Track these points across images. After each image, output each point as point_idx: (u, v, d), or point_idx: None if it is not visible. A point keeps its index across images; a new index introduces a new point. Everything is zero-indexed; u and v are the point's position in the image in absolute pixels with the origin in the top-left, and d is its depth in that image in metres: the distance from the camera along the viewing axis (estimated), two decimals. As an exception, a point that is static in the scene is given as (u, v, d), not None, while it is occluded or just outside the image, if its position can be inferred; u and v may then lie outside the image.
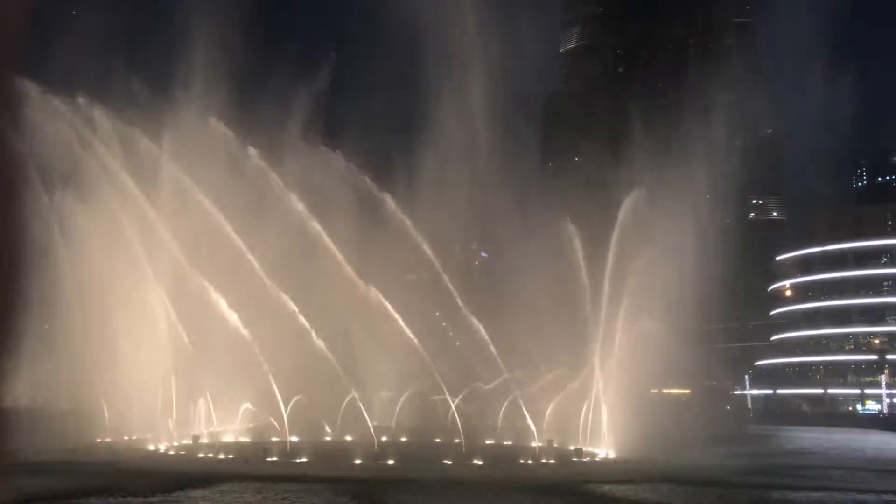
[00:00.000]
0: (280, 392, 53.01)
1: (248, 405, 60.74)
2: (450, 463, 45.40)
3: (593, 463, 49.10)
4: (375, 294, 54.44)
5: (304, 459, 45.45)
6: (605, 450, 53.13)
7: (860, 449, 70.98)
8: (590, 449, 53.36)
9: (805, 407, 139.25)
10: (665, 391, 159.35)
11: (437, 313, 68.32)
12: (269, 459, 45.63)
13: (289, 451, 48.05)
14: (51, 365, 54.79)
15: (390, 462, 45.37)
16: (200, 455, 48.44)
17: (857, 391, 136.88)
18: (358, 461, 45.10)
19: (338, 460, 45.72)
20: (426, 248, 58.47)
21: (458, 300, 58.01)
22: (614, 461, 49.56)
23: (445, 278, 58.25)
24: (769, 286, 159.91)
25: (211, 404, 58.66)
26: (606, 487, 38.88)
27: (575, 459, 48.91)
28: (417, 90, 76.48)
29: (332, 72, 72.96)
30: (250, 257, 53.27)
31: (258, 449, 49.14)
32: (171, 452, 50.07)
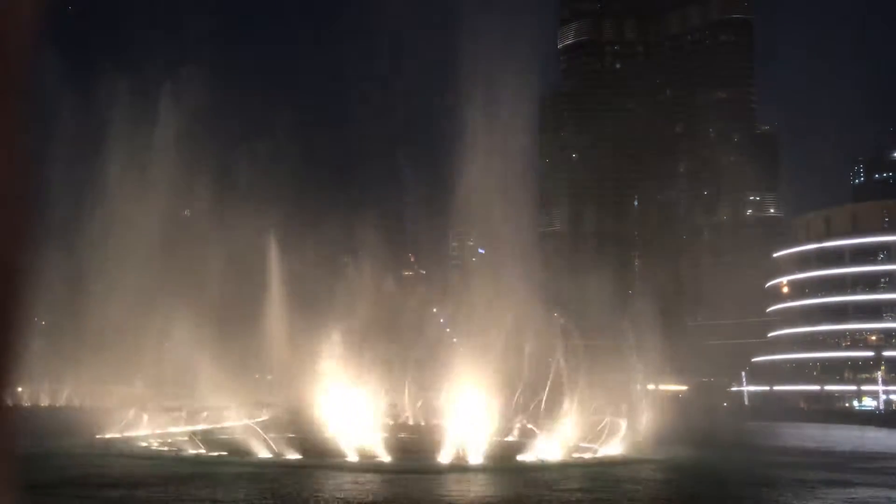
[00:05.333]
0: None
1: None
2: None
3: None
4: None
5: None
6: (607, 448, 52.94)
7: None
8: (593, 446, 53.14)
9: (802, 403, 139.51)
10: (662, 387, 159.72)
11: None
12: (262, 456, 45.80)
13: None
14: (48, 363, 54.64)
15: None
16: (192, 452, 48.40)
17: (854, 388, 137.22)
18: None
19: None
20: None
21: None
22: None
23: None
24: (766, 283, 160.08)
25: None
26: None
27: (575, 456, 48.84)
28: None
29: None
30: None
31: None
32: (165, 449, 50.07)
